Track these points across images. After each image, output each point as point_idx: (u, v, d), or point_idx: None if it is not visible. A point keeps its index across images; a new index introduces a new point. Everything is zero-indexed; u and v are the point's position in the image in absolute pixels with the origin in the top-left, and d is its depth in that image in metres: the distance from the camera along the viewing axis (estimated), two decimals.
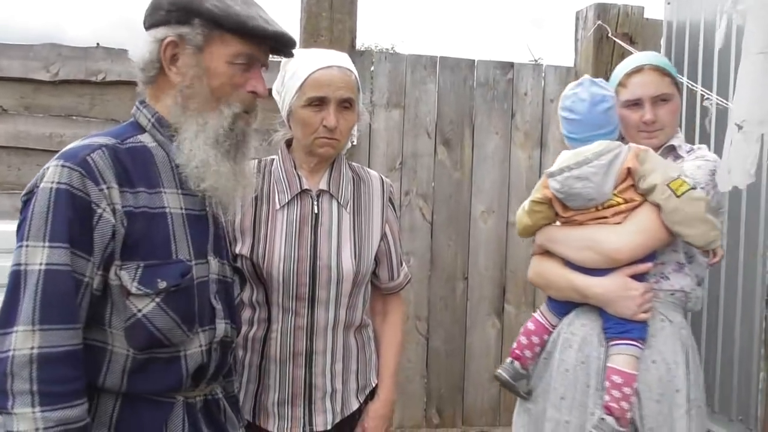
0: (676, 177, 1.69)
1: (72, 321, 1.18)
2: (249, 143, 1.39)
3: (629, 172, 1.73)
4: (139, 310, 1.23)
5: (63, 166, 1.21)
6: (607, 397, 1.71)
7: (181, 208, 1.32)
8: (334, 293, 1.71)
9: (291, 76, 1.71)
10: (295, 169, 1.75)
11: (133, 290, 1.23)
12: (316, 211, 1.73)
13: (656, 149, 1.84)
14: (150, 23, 1.34)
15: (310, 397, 1.71)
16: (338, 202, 1.75)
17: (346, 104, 1.70)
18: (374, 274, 1.82)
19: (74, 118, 2.97)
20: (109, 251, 1.22)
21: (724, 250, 1.77)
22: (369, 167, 1.96)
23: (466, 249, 3.28)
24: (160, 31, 1.31)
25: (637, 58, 1.93)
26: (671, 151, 1.88)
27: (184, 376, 1.31)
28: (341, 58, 1.74)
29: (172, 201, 1.31)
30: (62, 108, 2.97)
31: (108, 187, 1.22)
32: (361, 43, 3.22)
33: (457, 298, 3.29)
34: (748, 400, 2.47)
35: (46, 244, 1.17)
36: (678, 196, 1.67)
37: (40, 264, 1.17)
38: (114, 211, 1.22)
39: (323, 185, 1.75)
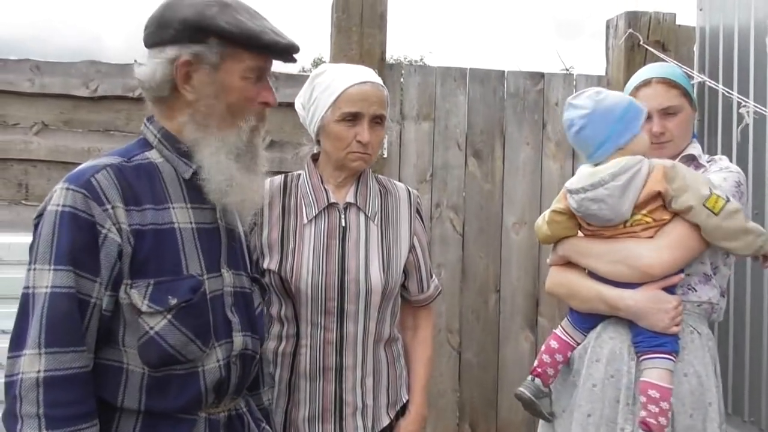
0: (709, 194, 1.66)
1: (77, 343, 1.19)
2: (261, 154, 1.39)
3: (659, 195, 1.69)
4: (152, 328, 1.23)
5: (68, 188, 1.22)
6: (643, 413, 1.66)
7: (191, 222, 1.32)
8: (363, 307, 1.71)
9: (323, 90, 1.72)
10: (322, 183, 1.76)
11: (144, 308, 1.23)
12: (343, 225, 1.73)
13: (671, 159, 1.81)
14: (156, 41, 1.31)
15: (340, 412, 1.70)
16: (366, 215, 1.76)
17: (378, 120, 1.72)
18: (403, 286, 1.82)
19: (112, 132, 3.04)
20: (117, 271, 1.23)
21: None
22: (399, 179, 1.96)
23: (497, 261, 3.26)
24: (170, 50, 1.29)
25: (646, 71, 1.93)
26: (692, 161, 1.86)
27: (203, 393, 1.29)
28: (373, 74, 1.76)
29: (180, 216, 1.31)
30: (100, 123, 3.05)
31: (113, 207, 1.23)
32: (390, 55, 3.24)
33: (489, 311, 3.26)
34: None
35: (52, 267, 1.19)
36: (716, 214, 1.64)
37: (46, 287, 1.18)
38: (120, 230, 1.23)
39: (350, 198, 1.76)
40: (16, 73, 2.99)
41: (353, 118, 1.69)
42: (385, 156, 3.11)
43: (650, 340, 1.72)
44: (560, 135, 3.29)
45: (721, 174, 1.79)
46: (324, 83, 1.73)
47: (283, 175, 1.83)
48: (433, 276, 1.89)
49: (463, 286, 3.23)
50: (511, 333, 3.27)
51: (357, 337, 1.71)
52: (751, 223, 1.67)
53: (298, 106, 1.82)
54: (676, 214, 1.71)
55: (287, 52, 1.35)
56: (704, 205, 1.65)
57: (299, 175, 1.81)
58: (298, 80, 3.15)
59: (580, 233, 1.86)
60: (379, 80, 1.75)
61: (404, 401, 1.81)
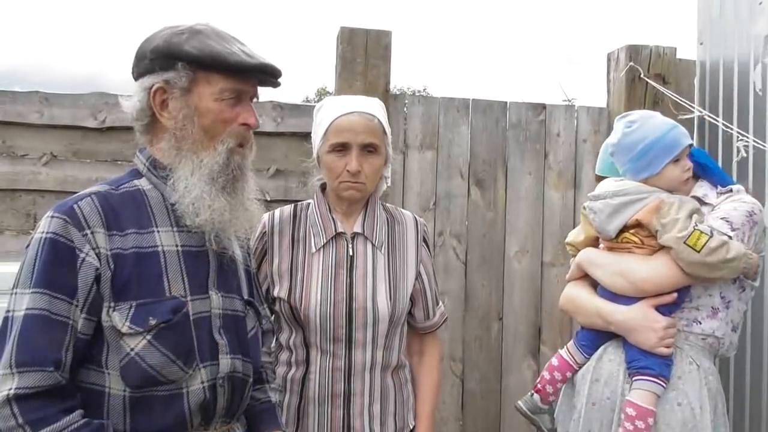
0: (690, 232, 1.68)
1: (46, 364, 1.20)
2: (246, 176, 1.41)
3: (640, 223, 1.76)
4: (132, 349, 1.26)
5: (52, 216, 1.28)
6: (620, 430, 1.71)
7: (177, 245, 1.34)
8: (370, 335, 1.73)
9: (318, 123, 1.78)
10: (330, 212, 1.80)
11: (125, 330, 1.25)
12: (351, 254, 1.76)
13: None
14: (137, 73, 1.38)
15: None
16: (373, 244, 1.79)
17: (370, 149, 1.74)
18: (410, 314, 1.84)
19: (119, 162, 3.08)
20: (94, 294, 1.25)
21: (760, 266, 1.83)
22: (403, 208, 2.01)
23: (500, 289, 3.28)
24: (147, 80, 1.35)
25: None
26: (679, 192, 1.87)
27: (188, 414, 1.30)
28: (364, 104, 1.78)
29: (165, 239, 1.33)
30: (108, 153, 3.09)
31: (92, 232, 1.26)
32: (393, 86, 3.29)
33: (492, 339, 3.27)
34: None
35: (29, 290, 1.23)
36: (698, 251, 1.67)
37: (23, 309, 1.22)
38: (99, 255, 1.26)
39: (358, 228, 1.79)
40: (25, 104, 3.04)
41: (342, 148, 1.72)
42: (389, 185, 3.14)
43: (638, 362, 1.76)
44: (562, 165, 3.34)
45: (733, 204, 1.80)
46: (320, 116, 1.79)
47: (292, 205, 1.86)
48: (440, 303, 1.92)
49: (466, 315, 3.24)
50: (513, 361, 3.27)
51: (365, 365, 1.73)
52: (732, 251, 1.68)
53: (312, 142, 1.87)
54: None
55: (259, 71, 1.37)
56: (685, 243, 1.68)
57: (308, 204, 1.85)
58: (303, 110, 3.20)
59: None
60: (371, 110, 1.76)
61: (411, 427, 1.82)
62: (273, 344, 1.70)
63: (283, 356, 1.78)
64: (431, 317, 1.88)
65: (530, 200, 3.31)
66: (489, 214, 3.28)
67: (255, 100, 1.43)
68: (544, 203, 3.32)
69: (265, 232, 1.80)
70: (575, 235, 2.01)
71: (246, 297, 1.48)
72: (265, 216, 1.79)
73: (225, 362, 1.36)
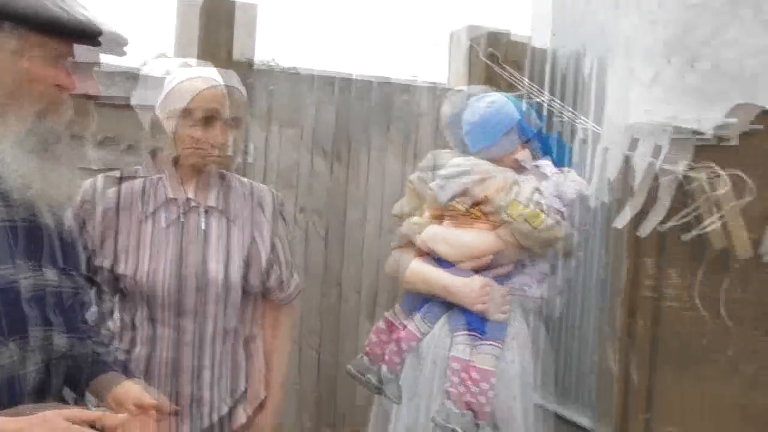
0: (530, 209, 1.85)
1: None
2: (69, 142, 1.29)
3: (484, 199, 1.90)
4: None
5: None
6: (448, 384, 1.86)
7: (2, 221, 1.23)
8: (221, 307, 1.72)
9: (172, 93, 1.73)
10: (182, 184, 1.76)
11: None
12: (203, 227, 1.74)
13: None
14: None
15: (199, 412, 1.71)
16: (226, 218, 1.77)
17: (227, 121, 1.72)
18: (264, 285, 1.84)
19: None
20: None
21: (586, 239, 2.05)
22: (264, 184, 2.00)
23: (359, 263, 3.36)
24: None
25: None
26: (540, 176, 2.02)
27: (23, 396, 1.23)
28: (210, 71, 1.76)
29: None
30: None
31: None
32: (260, 60, 3.24)
33: (349, 311, 3.34)
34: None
35: None
36: (535, 227, 1.85)
37: None
38: None
39: (211, 201, 1.76)
40: None
41: (186, 115, 1.69)
42: (251, 161, 3.11)
43: (476, 327, 1.91)
44: (423, 143, 3.44)
45: (565, 183, 1.97)
46: (172, 87, 1.73)
47: (142, 179, 1.78)
48: (294, 275, 1.93)
49: (323, 288, 3.29)
50: (363, 330, 3.36)
51: (215, 337, 1.72)
52: (563, 231, 1.89)
53: (157, 110, 1.79)
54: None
55: (87, 32, 1.26)
56: (525, 219, 1.86)
57: (160, 178, 1.78)
58: (156, 81, 3.05)
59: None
60: (216, 76, 1.75)
61: (262, 397, 1.84)
62: (112, 322, 1.65)
63: (128, 334, 1.73)
64: (285, 289, 1.88)
65: (391, 177, 3.40)
66: (350, 191, 3.34)
67: (71, 59, 1.29)
68: (402, 180, 3.41)
69: (93, 202, 1.72)
70: (401, 207, 2.14)
71: (75, 271, 1.38)
72: (88, 184, 1.71)
73: (58, 341, 1.28)
